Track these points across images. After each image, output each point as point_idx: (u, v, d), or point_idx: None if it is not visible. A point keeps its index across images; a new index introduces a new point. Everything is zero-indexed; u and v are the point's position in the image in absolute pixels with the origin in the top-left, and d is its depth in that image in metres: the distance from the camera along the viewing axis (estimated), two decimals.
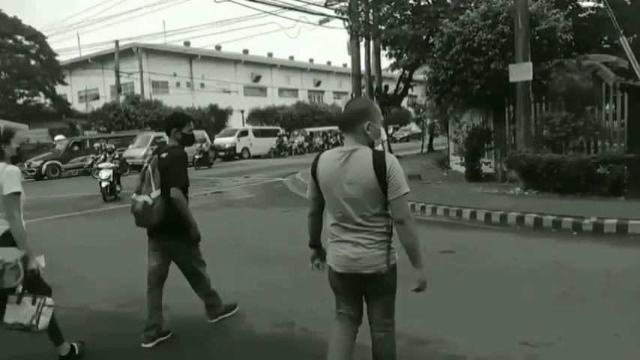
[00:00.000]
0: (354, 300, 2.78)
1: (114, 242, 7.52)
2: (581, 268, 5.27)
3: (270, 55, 51.38)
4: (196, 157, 22.84)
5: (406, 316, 3.64)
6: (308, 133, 35.94)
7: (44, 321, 3.21)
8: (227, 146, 29.32)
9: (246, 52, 48.46)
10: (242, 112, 39.78)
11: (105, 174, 12.76)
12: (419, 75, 22.53)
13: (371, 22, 18.76)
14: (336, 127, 38.91)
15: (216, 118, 37.18)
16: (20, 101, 32.47)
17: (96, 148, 21.30)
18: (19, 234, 3.18)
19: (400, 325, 3.80)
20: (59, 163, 22.46)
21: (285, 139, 32.40)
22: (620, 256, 5.79)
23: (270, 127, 34.70)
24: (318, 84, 54.51)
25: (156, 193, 3.69)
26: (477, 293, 4.69)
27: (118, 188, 13.16)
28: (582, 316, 4.02)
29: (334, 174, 2.59)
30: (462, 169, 12.23)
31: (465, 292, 4.74)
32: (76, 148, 23.69)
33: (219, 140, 30.30)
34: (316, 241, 3.02)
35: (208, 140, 26.53)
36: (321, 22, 22.20)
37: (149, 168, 3.77)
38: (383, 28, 18.03)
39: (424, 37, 17.29)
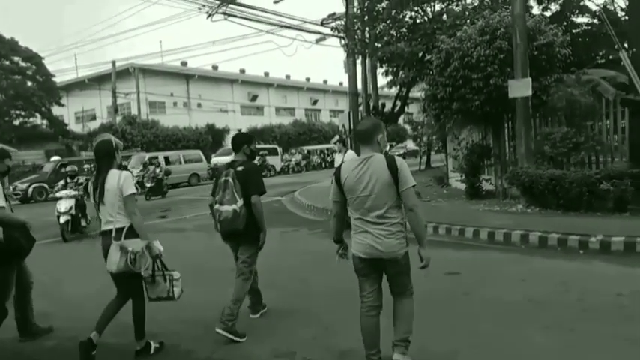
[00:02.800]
0: (375, 280, 3.36)
1: (98, 267, 7.28)
2: (592, 290, 5.07)
3: (266, 74, 51.50)
4: (147, 184, 19.14)
5: (413, 344, 3.44)
6: (305, 152, 35.85)
7: (177, 291, 4.05)
8: None
9: (242, 71, 48.56)
10: (239, 131, 39.72)
11: (65, 205, 10.14)
12: (415, 92, 22.56)
13: (367, 40, 18.78)
14: (333, 146, 38.97)
15: (213, 138, 37.14)
16: (16, 122, 32.31)
17: (86, 170, 20.13)
18: (140, 227, 3.85)
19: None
20: (46, 185, 21.69)
21: (267, 158, 30.78)
22: (630, 275, 5.60)
23: (268, 146, 34.55)
24: (314, 102, 54.61)
25: (240, 202, 4.23)
26: (487, 318, 4.46)
27: (83, 222, 10.64)
28: (601, 343, 3.82)
29: (356, 177, 3.23)
30: (462, 186, 12.07)
31: (474, 317, 4.52)
32: (63, 170, 23.28)
33: (216, 159, 30.06)
34: (340, 236, 3.55)
35: (163, 164, 22.39)
36: (317, 41, 22.27)
37: (230, 180, 4.26)
38: (379, 45, 18.03)
39: (420, 54, 17.29)
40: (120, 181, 3.81)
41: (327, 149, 37.16)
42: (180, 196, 19.70)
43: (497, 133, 11.68)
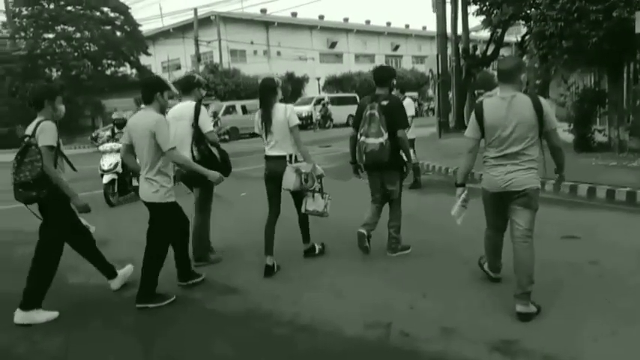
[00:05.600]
0: (502, 214, 3.52)
1: None
2: None
3: (345, 20, 49.81)
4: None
5: (540, 331, 2.79)
6: None
7: (328, 210, 4.61)
8: (304, 115, 28.89)
9: (321, 17, 47.27)
10: (318, 79, 38.98)
11: (109, 161, 8.10)
12: (509, 37, 20.47)
13: None
14: (415, 94, 37.07)
15: (292, 87, 36.79)
16: (108, 72, 33.65)
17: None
18: (306, 152, 4.51)
19: (533, 341, 2.96)
20: None
21: (329, 107, 29.09)
22: None
23: (347, 95, 33.60)
24: (395, 48, 52.26)
25: (386, 135, 4.40)
26: (628, 296, 3.64)
27: (134, 181, 8.10)
28: None
29: (500, 115, 3.31)
30: (569, 137, 10.72)
31: (611, 292, 3.70)
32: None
33: (295, 109, 29.86)
34: (465, 178, 3.66)
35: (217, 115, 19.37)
36: None
37: (375, 113, 4.43)
38: None
39: None
40: (286, 113, 4.37)
41: (411, 97, 35.61)
42: (256, 144, 19.63)
43: (614, 76, 10.13)
